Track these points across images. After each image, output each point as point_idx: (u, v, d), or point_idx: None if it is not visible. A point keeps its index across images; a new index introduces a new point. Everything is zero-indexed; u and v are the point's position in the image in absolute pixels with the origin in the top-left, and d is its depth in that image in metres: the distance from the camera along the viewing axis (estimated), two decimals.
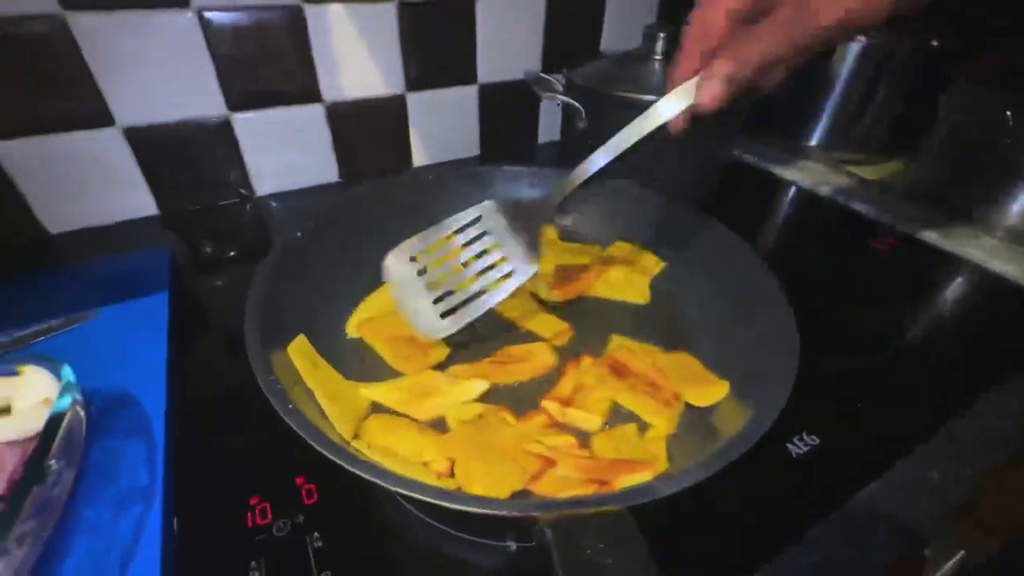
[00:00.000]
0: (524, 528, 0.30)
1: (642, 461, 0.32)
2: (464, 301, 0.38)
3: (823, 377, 0.41)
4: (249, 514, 0.31)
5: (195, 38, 0.53)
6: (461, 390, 0.37)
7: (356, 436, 0.33)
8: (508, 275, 0.38)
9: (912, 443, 0.37)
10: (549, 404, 0.36)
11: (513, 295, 0.38)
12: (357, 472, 0.25)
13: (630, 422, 0.36)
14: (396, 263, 0.39)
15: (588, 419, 0.36)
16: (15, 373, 0.31)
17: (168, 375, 0.38)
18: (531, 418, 0.35)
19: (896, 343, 0.48)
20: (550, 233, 0.53)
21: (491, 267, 0.38)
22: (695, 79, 0.29)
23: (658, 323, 0.45)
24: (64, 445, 0.26)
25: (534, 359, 0.40)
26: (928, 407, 0.40)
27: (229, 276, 0.54)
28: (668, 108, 0.31)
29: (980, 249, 0.58)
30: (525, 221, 0.39)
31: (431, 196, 0.55)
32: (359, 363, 0.40)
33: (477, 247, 0.39)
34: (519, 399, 0.37)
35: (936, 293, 0.55)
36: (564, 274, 0.48)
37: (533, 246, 0.38)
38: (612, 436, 0.35)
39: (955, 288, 0.55)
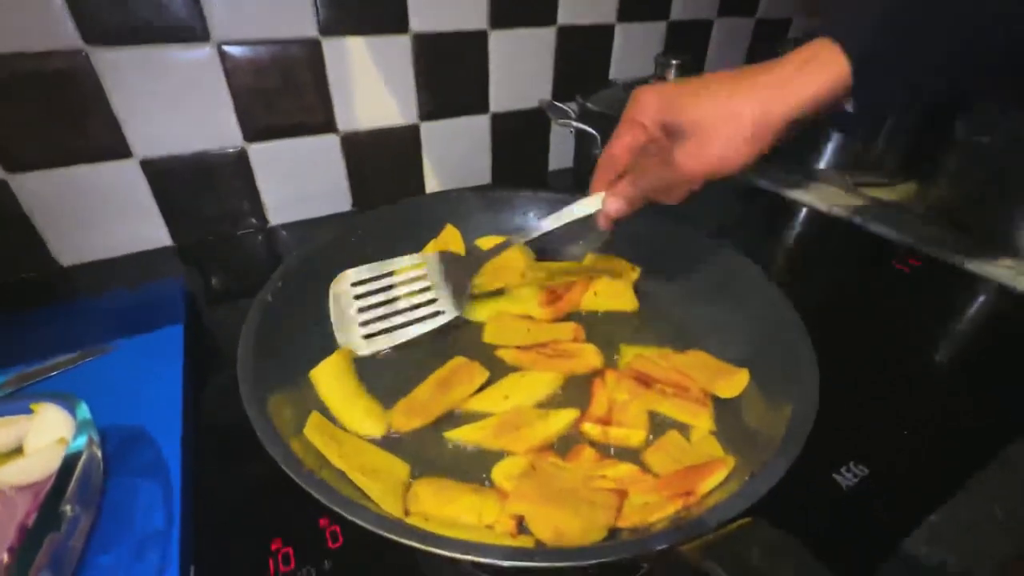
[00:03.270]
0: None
1: (710, 462, 0.31)
2: (385, 329, 0.42)
3: (862, 401, 0.40)
4: (271, 560, 0.29)
5: (214, 71, 0.54)
6: (553, 423, 0.36)
7: (407, 512, 0.30)
8: (436, 314, 0.43)
9: (967, 471, 0.35)
10: (590, 427, 0.35)
11: (513, 321, 0.45)
12: (459, 557, 0.23)
13: (670, 428, 0.36)
14: (338, 284, 0.45)
15: (631, 435, 0.35)
16: (28, 412, 0.29)
17: (183, 411, 0.37)
18: (578, 454, 0.33)
19: (933, 365, 0.46)
20: (526, 256, 0.53)
21: (421, 305, 0.43)
22: (602, 193, 0.38)
23: (654, 326, 0.46)
24: (80, 488, 0.25)
25: (582, 357, 0.41)
26: (978, 431, 0.39)
27: (243, 306, 0.52)
28: (583, 209, 0.39)
29: (1005, 268, 0.57)
30: (457, 272, 0.44)
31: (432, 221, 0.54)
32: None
33: (414, 286, 0.45)
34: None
35: (965, 313, 0.54)
36: (553, 293, 0.48)
37: (461, 294, 0.43)
38: (663, 448, 0.34)
39: (983, 308, 0.54)
